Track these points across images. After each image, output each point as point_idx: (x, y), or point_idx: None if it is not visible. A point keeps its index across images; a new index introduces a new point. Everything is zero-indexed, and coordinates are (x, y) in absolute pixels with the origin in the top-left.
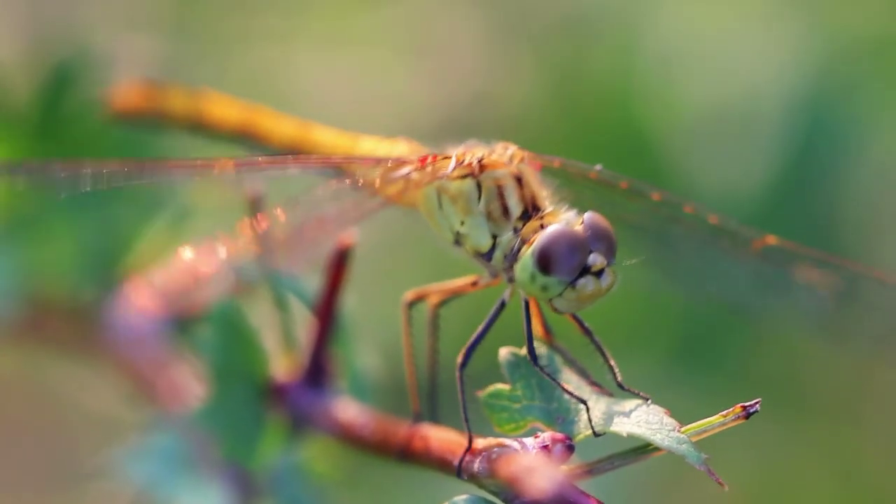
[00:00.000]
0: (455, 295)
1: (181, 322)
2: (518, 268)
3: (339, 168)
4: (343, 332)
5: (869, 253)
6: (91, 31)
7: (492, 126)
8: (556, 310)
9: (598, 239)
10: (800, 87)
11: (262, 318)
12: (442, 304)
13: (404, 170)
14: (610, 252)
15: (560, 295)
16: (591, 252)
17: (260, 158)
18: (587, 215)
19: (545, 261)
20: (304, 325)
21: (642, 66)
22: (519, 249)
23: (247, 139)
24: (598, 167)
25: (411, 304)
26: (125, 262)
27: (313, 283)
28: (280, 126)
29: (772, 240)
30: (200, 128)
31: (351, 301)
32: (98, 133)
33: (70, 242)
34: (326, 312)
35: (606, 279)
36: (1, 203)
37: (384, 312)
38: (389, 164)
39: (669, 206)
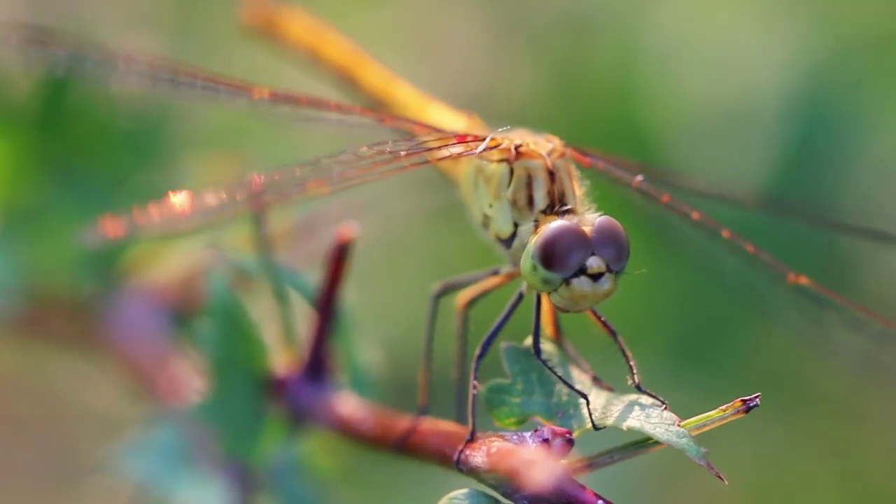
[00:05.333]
0: (482, 293)
1: (181, 316)
2: (522, 257)
3: (379, 124)
4: (343, 326)
5: (869, 252)
6: (93, 27)
7: (492, 124)
8: (555, 306)
9: (604, 243)
10: (799, 85)
11: (261, 312)
12: (471, 304)
13: (454, 148)
14: (615, 259)
15: (556, 291)
16: (592, 254)
17: (301, 95)
18: (600, 219)
19: (544, 253)
20: (304, 318)
21: (642, 62)
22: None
23: (344, 82)
24: (640, 177)
25: (438, 296)
26: (126, 257)
27: (313, 276)
28: (372, 76)
29: (804, 280)
30: (311, 60)
31: (351, 295)
32: (101, 128)
33: (71, 237)
34: (327, 306)
35: (604, 284)
36: (2, 198)
37: (385, 306)
38: (435, 139)
39: (706, 227)
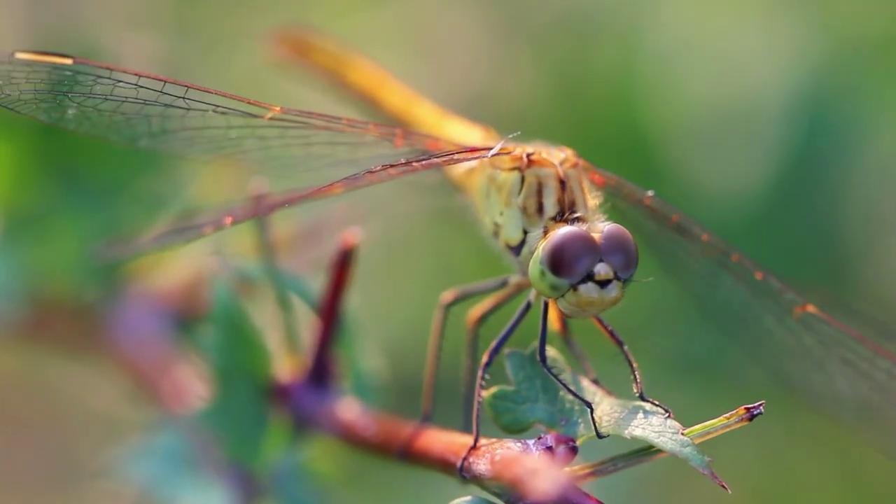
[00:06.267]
0: (493, 308)
1: (184, 321)
2: (531, 262)
3: (389, 139)
4: (346, 333)
5: (870, 252)
6: (93, 29)
7: (493, 125)
8: (562, 313)
9: (612, 251)
10: (801, 86)
11: (265, 318)
12: (482, 320)
13: (465, 155)
14: (623, 267)
15: (563, 297)
16: (600, 261)
17: (314, 112)
18: (609, 226)
19: (552, 259)
20: (307, 325)
21: (643, 63)
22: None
23: (367, 104)
24: (651, 193)
25: (450, 306)
26: (130, 262)
27: (317, 282)
28: (394, 97)
29: (811, 308)
30: (335, 84)
31: (354, 301)
32: None
33: (74, 241)
34: (330, 312)
35: (611, 291)
36: (5, 202)
37: (387, 308)
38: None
39: (715, 250)
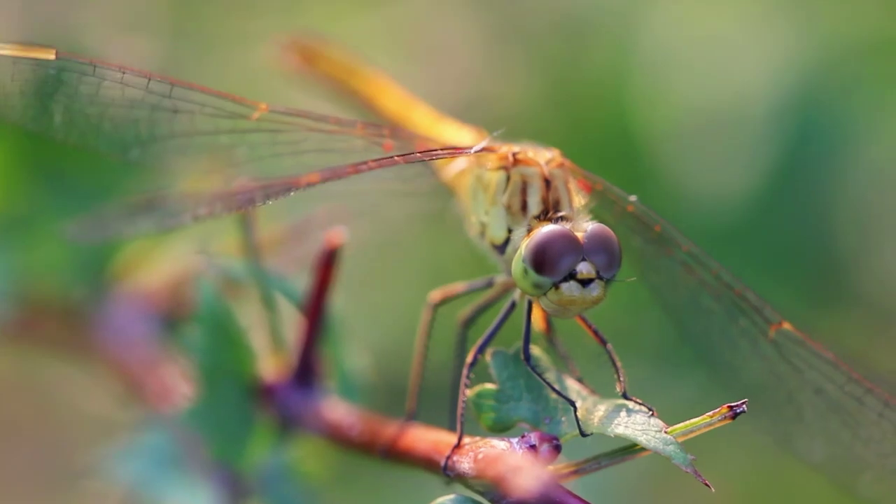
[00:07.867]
0: (480, 309)
1: (170, 321)
2: (514, 260)
3: (378, 142)
4: (332, 332)
5: (862, 256)
6: (88, 31)
7: (487, 127)
8: (544, 311)
9: (595, 250)
10: (793, 89)
11: (250, 318)
12: (471, 321)
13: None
14: (606, 266)
15: (545, 295)
16: (583, 260)
17: (301, 110)
18: (593, 226)
19: (535, 257)
20: (292, 324)
21: (636, 67)
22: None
23: (365, 109)
24: (634, 198)
25: (437, 305)
26: (116, 263)
27: (302, 282)
28: (391, 102)
29: (787, 325)
30: (337, 91)
31: (340, 301)
32: None
33: (62, 243)
34: (315, 312)
35: (593, 291)
36: None
37: (378, 313)
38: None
39: (697, 261)
